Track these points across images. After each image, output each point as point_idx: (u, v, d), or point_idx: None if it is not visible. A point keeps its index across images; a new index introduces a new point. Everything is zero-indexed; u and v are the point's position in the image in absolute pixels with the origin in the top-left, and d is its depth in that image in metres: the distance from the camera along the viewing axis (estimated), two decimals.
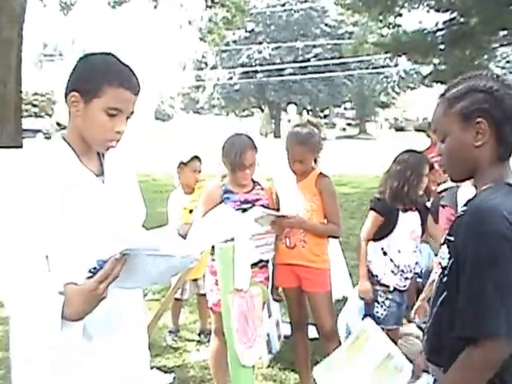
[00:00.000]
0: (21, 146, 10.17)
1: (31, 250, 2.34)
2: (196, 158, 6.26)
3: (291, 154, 4.86)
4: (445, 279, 2.33)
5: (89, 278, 2.25)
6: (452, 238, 2.27)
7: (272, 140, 51.26)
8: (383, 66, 66.82)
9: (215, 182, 5.01)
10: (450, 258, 2.28)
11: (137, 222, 2.79)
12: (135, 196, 2.85)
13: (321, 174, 4.95)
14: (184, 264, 2.42)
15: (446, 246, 2.32)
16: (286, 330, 6.21)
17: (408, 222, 5.01)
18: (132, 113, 2.52)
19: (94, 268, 2.25)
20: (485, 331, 2.14)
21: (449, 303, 2.30)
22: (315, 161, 5.02)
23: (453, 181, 2.59)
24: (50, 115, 64.67)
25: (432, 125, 2.49)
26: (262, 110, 75.56)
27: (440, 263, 2.36)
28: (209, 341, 6.19)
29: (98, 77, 2.43)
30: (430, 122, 2.52)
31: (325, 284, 4.99)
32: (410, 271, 5.04)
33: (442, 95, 2.45)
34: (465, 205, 2.35)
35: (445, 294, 2.33)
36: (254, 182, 4.82)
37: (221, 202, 4.65)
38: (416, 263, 5.15)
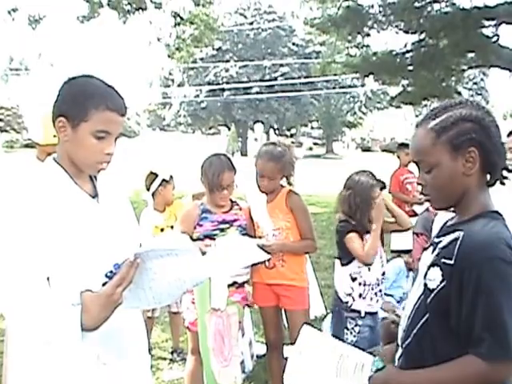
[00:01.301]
0: None
1: (33, 272, 2.33)
2: (171, 176, 6.33)
3: (260, 171, 4.94)
4: (429, 301, 2.34)
5: (104, 284, 2.28)
6: (450, 262, 2.27)
7: (239, 158, 51.28)
8: (350, 86, 67.22)
9: (192, 201, 5.03)
10: (442, 281, 2.29)
11: (133, 241, 2.79)
12: (130, 216, 2.88)
13: (290, 191, 5.04)
14: (194, 281, 2.47)
15: (438, 268, 2.32)
16: (259, 349, 6.24)
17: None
18: (120, 133, 2.54)
19: (111, 272, 2.29)
20: (507, 356, 2.18)
21: (432, 327, 2.35)
22: (289, 182, 5.14)
23: (436, 209, 2.62)
24: (15, 130, 63.97)
25: (414, 155, 2.49)
26: (229, 128, 75.35)
27: (425, 284, 2.38)
28: (182, 359, 6.20)
29: (84, 101, 2.44)
30: (410, 149, 2.51)
31: (304, 302, 5.07)
32: (378, 285, 4.99)
33: (423, 124, 2.46)
34: (442, 230, 2.40)
35: (427, 316, 2.36)
36: (232, 202, 4.88)
37: (199, 222, 4.69)
38: (383, 273, 5.06)
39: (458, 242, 2.28)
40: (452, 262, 2.27)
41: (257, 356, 6.23)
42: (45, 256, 2.34)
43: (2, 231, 2.36)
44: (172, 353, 6.55)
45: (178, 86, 75.60)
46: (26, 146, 52.57)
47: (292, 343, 5.38)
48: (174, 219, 6.04)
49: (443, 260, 2.31)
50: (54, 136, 6.00)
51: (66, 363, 2.35)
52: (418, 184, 2.52)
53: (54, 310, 2.26)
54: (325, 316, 7.11)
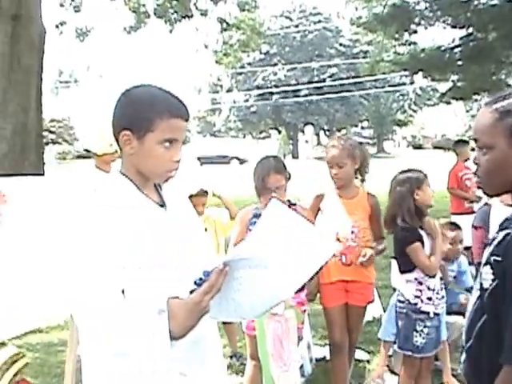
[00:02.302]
0: (43, 174, 10.22)
1: (108, 285, 2.29)
2: (203, 191, 6.32)
3: (330, 160, 5.11)
4: (484, 301, 2.27)
5: (191, 291, 2.25)
6: (499, 259, 2.19)
7: (290, 161, 51.20)
8: (399, 84, 66.78)
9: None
10: (493, 280, 2.21)
11: (205, 250, 2.76)
12: (198, 223, 2.85)
13: (369, 193, 5.25)
14: (275, 299, 2.43)
15: (489, 266, 2.24)
16: (317, 352, 6.19)
17: (426, 237, 4.96)
18: (185, 139, 2.52)
19: (200, 279, 2.24)
20: None
21: (489, 327, 2.26)
22: (362, 180, 5.29)
23: (486, 194, 2.55)
24: (67, 141, 64.93)
25: (474, 132, 2.40)
26: (279, 132, 75.37)
27: (481, 283, 2.30)
28: (240, 364, 6.17)
29: (147, 111, 2.39)
30: (474, 130, 2.42)
31: (371, 296, 5.33)
32: (442, 289, 5.01)
33: (489, 104, 2.36)
34: (503, 224, 2.30)
35: (485, 317, 2.28)
36: (290, 204, 4.80)
37: (249, 227, 4.67)
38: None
39: (508, 238, 2.20)
40: (500, 258, 2.19)
41: (316, 359, 6.18)
42: (119, 268, 2.31)
43: (76, 245, 2.34)
44: (231, 357, 6.53)
45: (227, 91, 76.01)
46: (78, 156, 53.28)
47: (358, 347, 5.41)
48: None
49: (494, 257, 2.23)
50: (111, 145, 6.10)
51: (150, 373, 2.30)
52: (474, 163, 2.42)
53: (132, 320, 2.23)
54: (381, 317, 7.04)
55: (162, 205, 2.56)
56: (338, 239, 5.11)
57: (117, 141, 2.48)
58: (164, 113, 2.39)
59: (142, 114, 2.40)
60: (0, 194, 3.95)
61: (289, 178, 4.84)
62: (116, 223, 2.34)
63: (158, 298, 2.27)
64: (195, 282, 2.26)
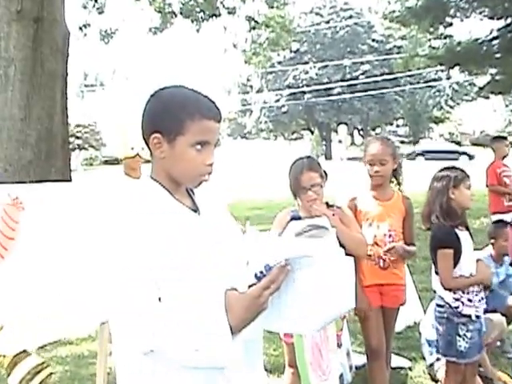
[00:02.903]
0: (70, 180, 10.27)
1: (146, 293, 2.25)
2: None
3: (371, 157, 5.13)
4: None
5: (250, 286, 2.23)
6: None
7: (324, 162, 51.09)
8: (435, 80, 66.31)
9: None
10: None
11: (238, 255, 2.68)
12: (234, 227, 2.81)
13: (403, 195, 5.28)
14: (343, 308, 2.40)
15: None
16: (357, 360, 6.13)
17: (466, 238, 4.90)
18: (218, 140, 2.49)
19: (261, 272, 2.22)
20: None
21: None
22: (398, 183, 5.33)
23: None
24: (93, 147, 65.31)
25: None
26: (312, 132, 75.28)
27: None
28: (282, 372, 6.14)
29: (178, 113, 2.38)
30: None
31: (404, 298, 5.32)
32: (480, 291, 4.93)
33: None
34: None
35: None
36: (328, 205, 4.75)
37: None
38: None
39: None
40: None
41: (356, 367, 6.12)
42: (158, 276, 2.28)
43: (111, 253, 2.32)
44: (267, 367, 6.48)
45: (257, 92, 76.10)
46: (106, 162, 53.68)
47: (398, 354, 5.35)
48: None
49: None
50: (132, 149, 6.10)
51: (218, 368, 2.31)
52: None
53: (189, 314, 2.24)
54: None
55: (195, 210, 2.53)
56: (376, 243, 5.09)
57: (147, 145, 2.47)
58: (195, 114, 2.37)
59: (172, 116, 2.39)
60: (17, 201, 3.96)
61: (325, 177, 4.83)
62: (149, 230, 2.31)
63: (215, 291, 2.28)
64: (255, 275, 2.24)
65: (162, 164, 2.45)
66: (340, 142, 70.59)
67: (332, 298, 2.30)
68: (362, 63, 69.10)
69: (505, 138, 10.96)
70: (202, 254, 2.42)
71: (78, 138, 63.47)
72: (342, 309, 2.42)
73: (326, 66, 69.10)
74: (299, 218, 4.64)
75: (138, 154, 6.05)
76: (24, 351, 4.63)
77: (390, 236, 5.11)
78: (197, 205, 2.56)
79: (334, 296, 2.30)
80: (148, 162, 2.67)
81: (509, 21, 19.26)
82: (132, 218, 2.34)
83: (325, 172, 4.85)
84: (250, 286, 2.23)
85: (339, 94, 68.21)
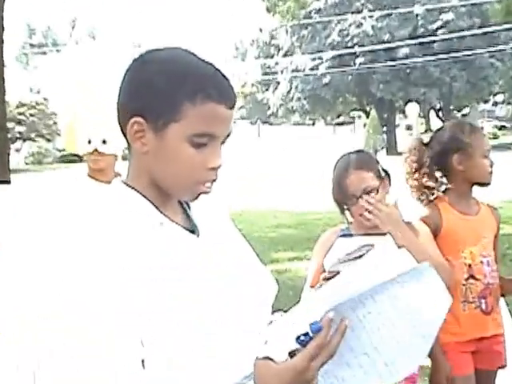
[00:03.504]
0: (8, 182, 10.36)
1: (126, 356, 2.17)
2: None
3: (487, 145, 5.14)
4: None
5: (292, 353, 2.21)
6: None
7: (384, 158, 50.69)
8: None
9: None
10: None
11: (260, 295, 2.66)
12: (248, 255, 2.77)
13: (491, 207, 5.36)
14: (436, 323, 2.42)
15: None
16: None
17: None
18: (228, 135, 2.42)
19: (306, 334, 2.19)
20: None
21: None
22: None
23: None
24: (43, 136, 64.54)
25: None
26: (367, 114, 75.19)
27: None
28: None
29: (172, 90, 2.29)
30: None
31: (504, 357, 5.32)
32: None
33: None
34: None
35: None
36: None
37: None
38: None
39: None
40: None
41: None
42: (139, 331, 2.19)
43: (62, 296, 2.22)
44: None
45: (285, 54, 76.14)
46: (62, 158, 53.66)
47: None
48: None
49: None
50: (89, 142, 6.09)
51: None
52: None
53: None
54: None
55: (193, 230, 2.48)
56: (472, 276, 5.07)
57: (124, 134, 2.39)
58: (197, 94, 2.28)
59: (163, 93, 2.30)
60: None
61: (388, 180, 4.73)
62: (125, 263, 2.22)
63: (241, 360, 2.27)
64: (298, 339, 2.20)
65: (143, 162, 2.37)
66: (409, 127, 70.53)
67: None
68: (441, 11, 68.85)
69: None
70: (206, 299, 2.36)
71: (20, 123, 62.79)
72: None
73: (388, 16, 69.00)
74: (348, 236, 4.64)
75: (96, 150, 5.93)
76: None
77: (488, 264, 5.08)
78: (194, 223, 2.52)
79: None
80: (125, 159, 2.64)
81: None
82: (98, 247, 2.26)
83: (386, 171, 4.77)
84: (290, 354, 2.21)
85: (407, 57, 68.02)
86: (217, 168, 2.37)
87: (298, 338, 2.19)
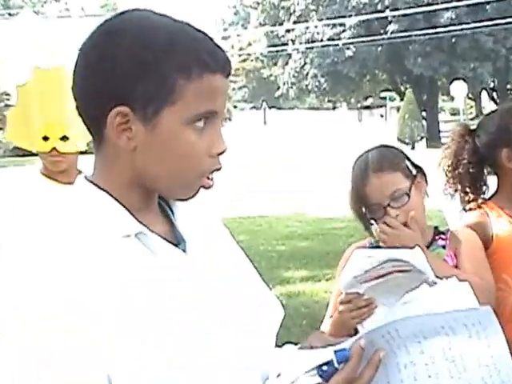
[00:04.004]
0: None
1: (126, 354, 2.18)
2: None
3: None
4: None
5: None
6: None
7: (424, 150, 50.85)
8: None
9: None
10: None
11: (263, 323, 2.64)
12: (246, 267, 2.77)
13: None
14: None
15: None
16: None
17: None
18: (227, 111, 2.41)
19: (329, 364, 2.15)
20: None
21: None
22: None
23: None
24: None
25: None
26: (402, 96, 75.11)
27: None
28: None
29: (161, 65, 2.24)
30: None
31: None
32: None
33: None
34: None
35: None
36: (437, 233, 4.71)
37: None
38: None
39: None
40: None
41: None
42: (139, 331, 2.21)
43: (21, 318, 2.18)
44: None
45: (298, 20, 76.06)
46: (15, 152, 53.59)
47: None
48: None
49: None
50: (46, 138, 6.00)
51: None
52: None
53: None
54: None
55: (178, 243, 2.46)
56: None
57: (94, 129, 2.34)
58: (192, 66, 2.26)
59: (148, 71, 2.25)
60: None
61: (424, 179, 4.67)
62: (93, 281, 2.20)
63: (241, 360, 2.30)
64: (319, 369, 2.17)
65: (125, 160, 2.32)
66: (455, 112, 70.41)
67: None
68: None
69: None
70: (193, 325, 2.34)
71: None
72: None
73: None
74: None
75: (54, 149, 5.81)
76: None
77: None
78: (180, 233, 2.50)
79: None
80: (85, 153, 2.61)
81: None
82: (57, 261, 2.22)
83: (419, 168, 4.71)
84: None
85: (452, 23, 67.92)
86: (221, 153, 2.36)
87: (320, 367, 2.14)
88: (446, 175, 4.99)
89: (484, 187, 5.10)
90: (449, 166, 5.03)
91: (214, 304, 2.42)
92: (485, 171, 5.12)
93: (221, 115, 2.36)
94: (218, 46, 2.34)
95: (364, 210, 4.48)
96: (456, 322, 2.27)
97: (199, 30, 2.33)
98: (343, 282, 4.09)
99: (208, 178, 2.36)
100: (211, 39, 2.33)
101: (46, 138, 5.76)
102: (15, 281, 2.22)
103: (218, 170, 2.40)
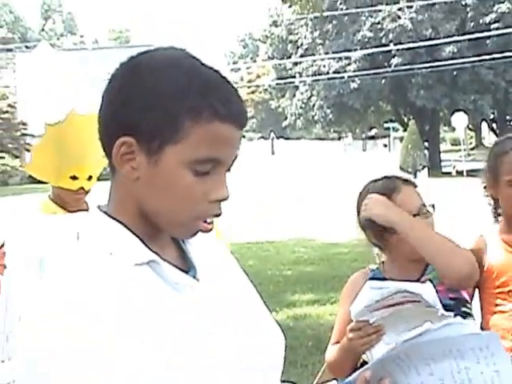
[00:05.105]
0: None
1: (126, 354, 2.13)
2: None
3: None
4: None
5: None
6: None
7: (425, 180, 50.81)
8: None
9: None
10: None
11: (271, 344, 2.58)
12: (255, 299, 2.70)
13: None
14: None
15: None
16: None
17: None
18: (235, 159, 2.35)
19: None
20: None
21: None
22: None
23: None
24: (9, 152, 63.89)
25: None
26: (405, 127, 75.07)
27: None
28: None
29: (172, 104, 2.22)
30: None
31: None
32: None
33: None
34: None
35: None
36: None
37: None
38: None
39: None
40: None
41: None
42: (139, 331, 2.17)
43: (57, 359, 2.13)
44: None
45: (305, 54, 76.04)
46: (34, 179, 53.39)
47: None
48: None
49: None
50: (74, 178, 5.99)
51: None
52: None
53: None
54: None
55: (188, 269, 2.44)
56: None
57: (107, 155, 2.31)
58: (202, 110, 2.22)
59: (159, 108, 2.22)
60: None
61: (431, 210, 4.68)
62: (106, 312, 2.16)
63: (241, 360, 2.27)
64: None
65: (130, 189, 2.31)
66: (455, 143, 70.31)
67: None
68: (495, 1, 68.39)
69: None
70: (195, 331, 2.31)
71: None
72: None
73: (431, 7, 68.85)
74: (382, 279, 4.60)
75: (82, 188, 5.92)
76: None
77: None
78: (192, 261, 2.49)
79: None
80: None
81: None
82: (72, 290, 2.20)
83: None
84: None
85: (453, 57, 67.79)
86: (222, 200, 2.32)
87: None
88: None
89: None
90: (484, 183, 5.24)
91: (214, 304, 2.41)
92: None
93: (226, 165, 2.32)
94: (236, 94, 2.30)
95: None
96: (463, 345, 2.26)
97: (219, 74, 2.29)
98: (354, 311, 4.10)
99: (206, 222, 2.31)
100: (231, 85, 2.30)
101: (74, 178, 5.82)
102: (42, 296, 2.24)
103: (218, 215, 2.36)
